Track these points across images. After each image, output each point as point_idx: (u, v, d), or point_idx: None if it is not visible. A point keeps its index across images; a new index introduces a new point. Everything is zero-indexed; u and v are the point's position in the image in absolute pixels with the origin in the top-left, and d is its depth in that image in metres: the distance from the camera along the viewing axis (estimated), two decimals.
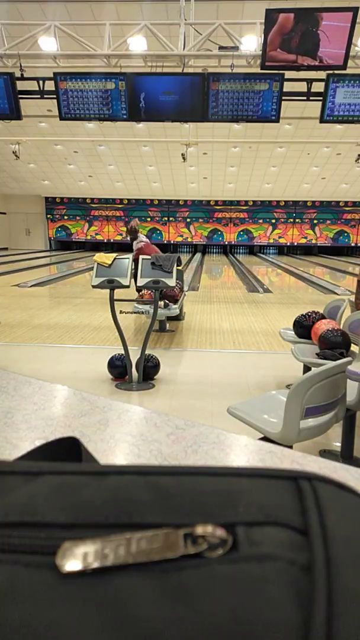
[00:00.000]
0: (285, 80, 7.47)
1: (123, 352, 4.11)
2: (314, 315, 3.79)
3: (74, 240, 24.32)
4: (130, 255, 4.21)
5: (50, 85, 8.07)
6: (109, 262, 4.02)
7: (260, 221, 23.53)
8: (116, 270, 4.01)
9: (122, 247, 21.66)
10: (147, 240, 8.34)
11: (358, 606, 0.17)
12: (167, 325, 6.19)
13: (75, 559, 0.19)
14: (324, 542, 0.19)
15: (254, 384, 4.12)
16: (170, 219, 23.71)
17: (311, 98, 7.94)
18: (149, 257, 4.29)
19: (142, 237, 8.34)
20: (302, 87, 7.90)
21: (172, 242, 23.73)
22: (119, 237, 23.79)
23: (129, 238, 8.33)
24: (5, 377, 1.12)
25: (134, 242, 8.26)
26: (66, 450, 0.34)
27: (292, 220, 23.42)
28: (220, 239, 23.92)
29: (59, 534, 0.20)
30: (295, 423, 2.05)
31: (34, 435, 0.83)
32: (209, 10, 8.86)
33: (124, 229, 23.48)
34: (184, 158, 14.10)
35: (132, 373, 4.06)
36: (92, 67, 8.27)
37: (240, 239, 23.90)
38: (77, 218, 23.97)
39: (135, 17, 8.79)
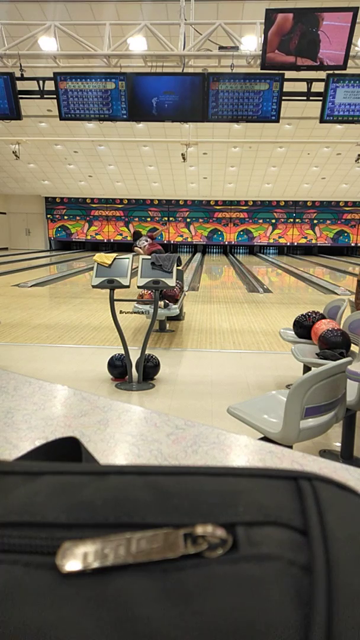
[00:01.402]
0: (285, 80, 7.47)
1: (123, 352, 4.11)
2: (314, 315, 3.79)
3: (74, 240, 24.32)
4: (130, 255, 4.21)
5: (50, 85, 8.07)
6: (109, 262, 4.02)
7: (260, 221, 23.53)
8: (116, 270, 4.01)
9: (122, 247, 21.67)
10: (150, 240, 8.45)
11: (358, 606, 0.17)
12: (167, 325, 6.19)
13: (75, 559, 0.19)
14: (324, 542, 0.19)
15: (254, 384, 4.12)
16: (170, 219, 23.71)
17: (311, 98, 7.93)
18: (148, 257, 4.29)
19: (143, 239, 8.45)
20: (302, 87, 7.89)
21: (172, 242, 23.73)
22: (119, 237, 23.79)
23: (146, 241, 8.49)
24: (5, 377, 1.12)
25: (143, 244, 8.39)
26: (66, 450, 0.34)
27: (292, 220, 23.42)
28: (220, 239, 23.92)
29: (59, 534, 0.20)
30: (295, 423, 2.05)
31: (34, 435, 0.83)
32: (209, 10, 8.86)
33: (124, 229, 23.58)
34: (184, 158, 14.10)
35: (132, 373, 4.06)
36: (92, 67, 8.27)
37: (240, 239, 23.89)
38: (77, 218, 23.97)
39: (135, 17, 8.79)
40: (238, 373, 4.43)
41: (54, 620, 0.17)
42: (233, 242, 23.91)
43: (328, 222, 23.36)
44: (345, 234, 23.48)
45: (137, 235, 9.17)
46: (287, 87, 7.65)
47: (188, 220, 23.68)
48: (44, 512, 0.21)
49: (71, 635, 0.17)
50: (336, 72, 7.24)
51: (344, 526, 0.20)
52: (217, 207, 23.34)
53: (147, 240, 8.69)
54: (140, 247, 8.54)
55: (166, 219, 23.68)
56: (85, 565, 0.19)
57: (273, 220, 23.50)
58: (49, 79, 8.01)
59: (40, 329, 6.14)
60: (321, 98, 7.62)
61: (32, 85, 8.29)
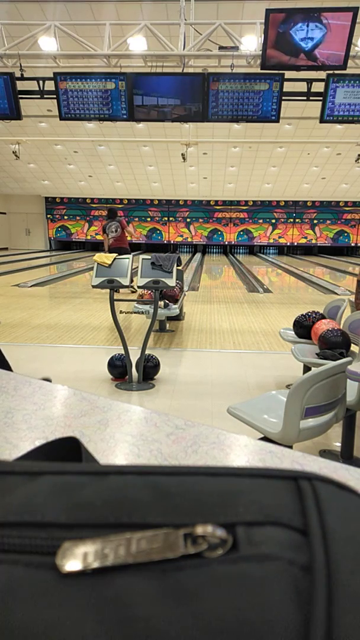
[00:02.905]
0: (285, 80, 7.47)
1: (123, 352, 4.11)
2: (314, 315, 3.79)
3: (74, 240, 24.30)
4: (130, 256, 4.21)
5: (50, 85, 8.07)
6: (109, 262, 4.02)
7: (260, 221, 23.52)
8: (116, 270, 4.01)
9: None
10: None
11: (358, 606, 0.17)
12: (167, 325, 6.19)
13: (75, 559, 0.19)
14: (324, 542, 0.19)
15: (254, 384, 4.12)
16: (170, 219, 23.71)
17: (311, 98, 7.94)
18: (149, 257, 4.29)
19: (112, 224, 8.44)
20: (302, 87, 7.89)
21: (172, 242, 23.72)
22: None
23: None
24: (5, 377, 1.12)
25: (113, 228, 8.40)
26: (66, 450, 0.34)
27: (292, 220, 23.41)
28: (220, 239, 23.91)
29: (59, 534, 0.20)
30: (295, 423, 2.05)
31: (34, 435, 0.83)
32: (209, 10, 8.86)
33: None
34: (184, 158, 14.10)
35: (132, 373, 4.06)
36: (92, 67, 8.27)
37: (240, 239, 23.88)
38: (77, 218, 23.96)
39: (135, 17, 8.78)
40: (238, 373, 4.43)
41: (54, 620, 0.17)
42: (233, 242, 23.90)
43: (328, 222, 23.35)
44: (345, 234, 23.47)
45: (112, 214, 9.06)
46: (287, 87, 7.65)
47: (188, 220, 23.67)
48: (44, 512, 0.21)
49: (71, 635, 0.17)
50: (336, 72, 7.25)
51: (344, 526, 0.20)
52: (217, 207, 23.32)
53: (117, 230, 8.63)
54: (106, 233, 8.55)
55: (166, 219, 23.68)
56: (85, 565, 0.19)
57: (273, 220, 23.49)
58: (49, 79, 8.01)
59: (40, 329, 6.14)
60: (321, 98, 7.62)
61: (32, 85, 8.30)
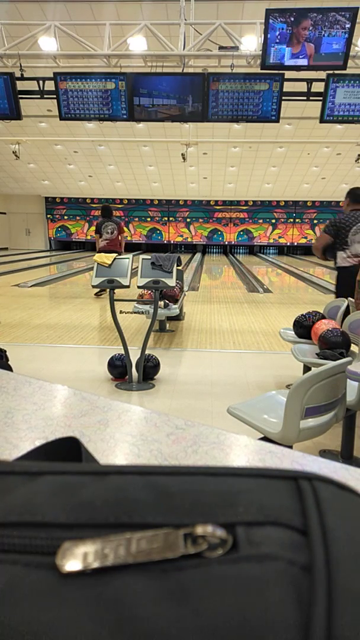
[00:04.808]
0: (285, 80, 7.47)
1: (123, 352, 4.11)
2: (314, 315, 3.79)
3: (74, 240, 24.30)
4: (130, 255, 4.21)
5: (50, 85, 8.07)
6: (109, 262, 4.02)
7: (260, 221, 23.51)
8: (116, 270, 4.01)
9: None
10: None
11: (358, 606, 0.17)
12: (167, 325, 6.19)
13: (75, 559, 0.19)
14: (324, 542, 0.19)
15: (254, 384, 4.12)
16: (170, 219, 23.70)
17: (311, 98, 7.93)
18: (148, 257, 4.28)
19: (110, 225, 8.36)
20: (302, 87, 7.89)
21: (172, 242, 23.71)
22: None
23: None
24: (5, 377, 1.12)
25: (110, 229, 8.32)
26: (66, 450, 0.34)
27: (292, 220, 23.41)
28: (220, 239, 23.91)
29: (59, 534, 0.20)
30: (295, 423, 2.05)
31: (34, 435, 0.83)
32: (209, 10, 8.86)
33: (125, 229, 23.53)
34: (184, 158, 14.10)
35: (132, 373, 4.06)
36: (92, 67, 8.27)
37: (240, 239, 23.88)
38: (77, 218, 23.95)
39: (135, 17, 8.78)
40: (238, 373, 4.43)
41: (54, 620, 0.17)
42: (233, 242, 23.89)
43: (328, 222, 23.34)
44: None
45: (107, 213, 8.92)
46: (287, 87, 7.64)
47: (188, 220, 23.66)
48: (44, 512, 0.21)
49: (71, 635, 0.17)
50: (336, 72, 7.24)
51: (344, 526, 0.20)
52: (217, 207, 23.32)
53: (113, 232, 8.55)
54: (100, 234, 8.47)
55: (166, 219, 23.67)
56: (85, 565, 0.19)
57: (273, 220, 23.49)
58: (49, 79, 8.01)
59: (40, 329, 6.14)
60: (321, 98, 7.62)
61: (32, 85, 8.29)
